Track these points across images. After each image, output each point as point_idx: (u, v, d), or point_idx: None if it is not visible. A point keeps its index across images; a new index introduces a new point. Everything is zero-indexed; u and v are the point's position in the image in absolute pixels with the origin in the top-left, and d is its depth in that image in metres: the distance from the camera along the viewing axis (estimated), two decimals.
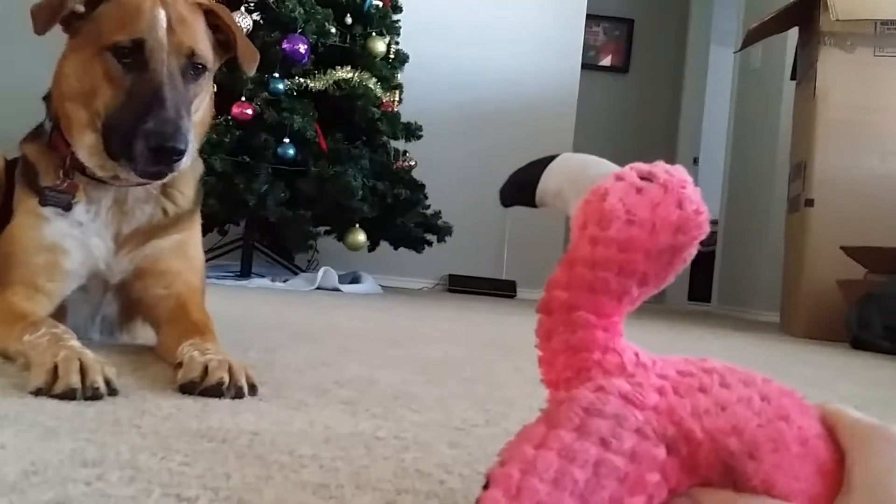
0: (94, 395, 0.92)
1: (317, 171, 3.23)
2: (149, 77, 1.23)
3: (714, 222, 6.31)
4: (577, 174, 0.57)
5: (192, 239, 1.39)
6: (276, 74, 3.20)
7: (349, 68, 3.36)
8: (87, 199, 1.30)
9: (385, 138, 3.61)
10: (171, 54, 1.25)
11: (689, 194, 0.49)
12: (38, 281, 1.27)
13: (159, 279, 1.34)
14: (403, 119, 3.74)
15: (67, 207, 1.29)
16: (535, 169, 0.60)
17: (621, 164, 0.54)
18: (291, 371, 1.27)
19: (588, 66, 6.11)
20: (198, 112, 1.32)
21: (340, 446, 0.80)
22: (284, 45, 3.20)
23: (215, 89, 2.94)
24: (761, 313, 4.96)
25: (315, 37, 3.31)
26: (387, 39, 3.61)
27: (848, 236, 3.41)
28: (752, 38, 4.13)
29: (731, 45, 6.12)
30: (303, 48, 3.21)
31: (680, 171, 0.50)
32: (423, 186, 3.77)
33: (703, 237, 0.49)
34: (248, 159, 3.12)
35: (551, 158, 0.61)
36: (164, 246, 1.34)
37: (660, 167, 0.51)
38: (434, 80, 5.00)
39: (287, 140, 3.17)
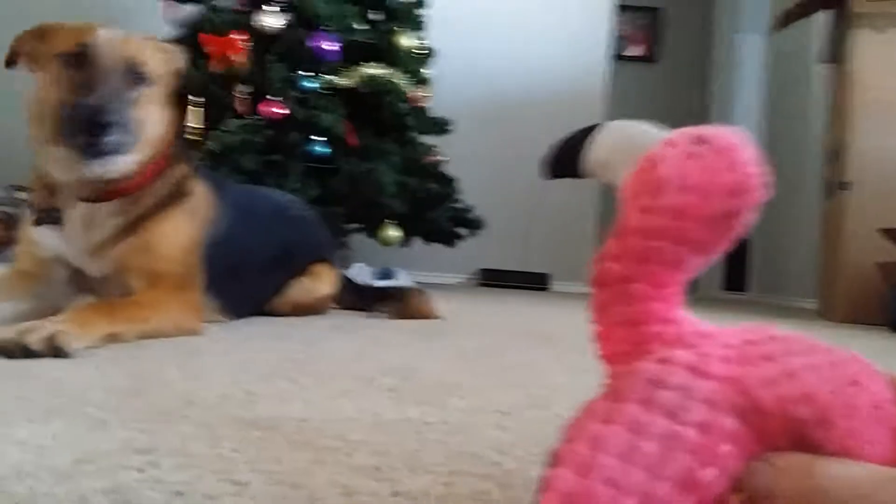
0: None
1: (347, 168, 3.22)
2: (87, 72, 1.44)
3: None
4: (626, 143, 0.56)
5: (160, 236, 1.56)
6: (306, 72, 3.20)
7: (377, 64, 3.35)
8: (50, 227, 1.52)
9: (414, 134, 3.60)
10: (111, 57, 1.47)
11: (742, 157, 0.47)
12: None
13: (121, 274, 1.52)
14: (432, 114, 3.73)
15: (57, 222, 1.52)
16: (579, 139, 0.59)
17: None
18: (334, 361, 1.26)
19: (616, 56, 6.06)
20: (148, 125, 1.52)
21: (389, 431, 0.79)
22: (311, 43, 3.20)
23: (245, 93, 2.94)
24: (799, 300, 4.88)
25: (343, 33, 3.31)
26: (414, 34, 3.60)
27: (885, 218, 3.35)
28: (783, 21, 4.07)
29: (758, 30, 6.04)
30: (331, 45, 3.21)
31: (734, 134, 0.48)
32: (453, 181, 3.75)
33: (759, 200, 0.47)
34: (278, 158, 3.12)
35: (592, 128, 0.60)
36: (126, 249, 1.53)
37: (712, 130, 0.49)
38: (462, 75, 4.98)
39: (317, 138, 3.16)
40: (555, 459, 0.42)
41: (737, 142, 0.48)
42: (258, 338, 1.52)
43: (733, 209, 0.46)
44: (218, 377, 1.06)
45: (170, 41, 2.16)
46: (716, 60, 6.70)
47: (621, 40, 6.58)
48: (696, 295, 5.88)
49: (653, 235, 0.47)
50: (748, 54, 6.49)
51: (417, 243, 3.85)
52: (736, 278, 6.22)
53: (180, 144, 1.70)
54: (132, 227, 1.54)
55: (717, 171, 0.46)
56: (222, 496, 0.56)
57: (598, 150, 0.58)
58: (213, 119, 3.07)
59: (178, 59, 1.67)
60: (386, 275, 3.68)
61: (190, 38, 3.19)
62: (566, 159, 0.60)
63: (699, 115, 6.69)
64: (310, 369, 1.16)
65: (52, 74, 1.46)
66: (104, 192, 1.52)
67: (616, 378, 0.47)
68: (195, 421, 0.79)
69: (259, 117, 3.09)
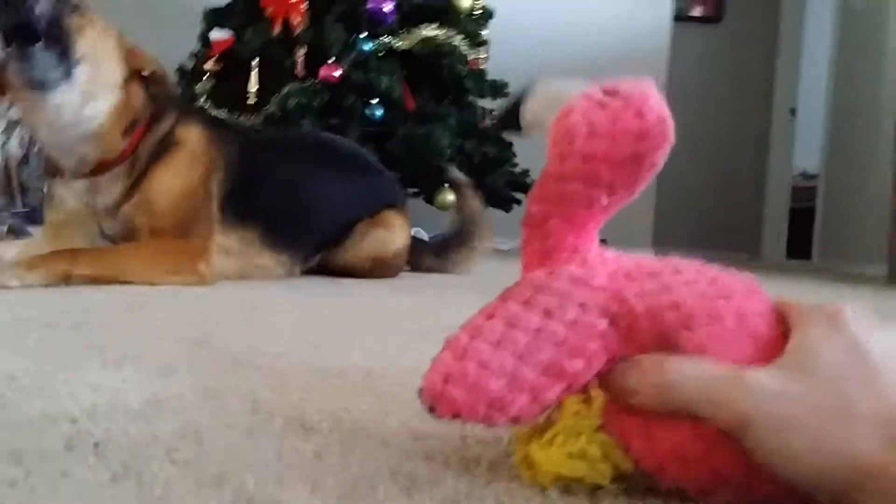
0: None
1: (404, 131, 3.21)
2: None
3: (813, 176, 6.06)
4: (553, 98, 0.59)
5: (154, 192, 1.63)
6: (364, 35, 3.18)
7: (435, 26, 3.31)
8: (66, 185, 1.64)
9: (472, 97, 3.57)
10: None
11: (649, 105, 0.50)
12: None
13: (131, 232, 1.62)
14: (490, 76, 3.69)
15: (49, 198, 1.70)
16: (520, 97, 0.64)
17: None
18: (395, 316, 1.27)
19: (679, 16, 5.90)
20: (97, 64, 1.53)
21: None
22: (370, 5, 3.17)
23: (304, 55, 2.94)
24: (867, 266, 4.74)
25: None
26: None
27: None
28: None
29: None
30: (388, 7, 3.19)
31: (644, 85, 0.52)
32: (510, 145, 3.71)
33: (666, 145, 0.50)
34: (336, 122, 3.13)
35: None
36: (129, 209, 1.62)
37: (625, 83, 0.52)
38: (520, 36, 4.91)
39: (375, 101, 3.16)
40: (443, 346, 0.48)
41: (645, 91, 0.51)
42: (319, 295, 1.53)
43: (640, 152, 0.50)
44: (281, 329, 1.07)
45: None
46: (783, 21, 6.49)
47: (685, 0, 6.41)
48: (760, 262, 5.76)
49: (568, 178, 0.51)
50: (818, 13, 6.27)
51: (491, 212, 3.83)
52: (800, 245, 6.08)
53: (163, 97, 1.71)
54: (133, 188, 1.64)
55: (624, 118, 0.50)
56: (293, 439, 0.56)
57: (532, 107, 0.62)
58: (273, 82, 3.08)
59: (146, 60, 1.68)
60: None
61: (251, 0, 3.20)
62: (509, 116, 0.64)
63: (764, 77, 6.51)
64: (370, 324, 1.16)
65: None
66: (98, 167, 1.62)
67: (513, 285, 0.52)
68: (262, 368, 0.79)
69: (317, 80, 3.09)
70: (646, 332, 0.47)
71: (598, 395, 0.48)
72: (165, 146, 1.68)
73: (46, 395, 0.64)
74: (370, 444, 0.56)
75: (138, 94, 1.65)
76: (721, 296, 0.47)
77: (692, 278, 0.49)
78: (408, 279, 2.07)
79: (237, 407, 0.64)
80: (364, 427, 0.60)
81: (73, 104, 1.53)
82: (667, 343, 0.46)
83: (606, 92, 0.52)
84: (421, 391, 0.46)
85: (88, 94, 1.54)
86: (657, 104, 0.50)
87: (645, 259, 0.52)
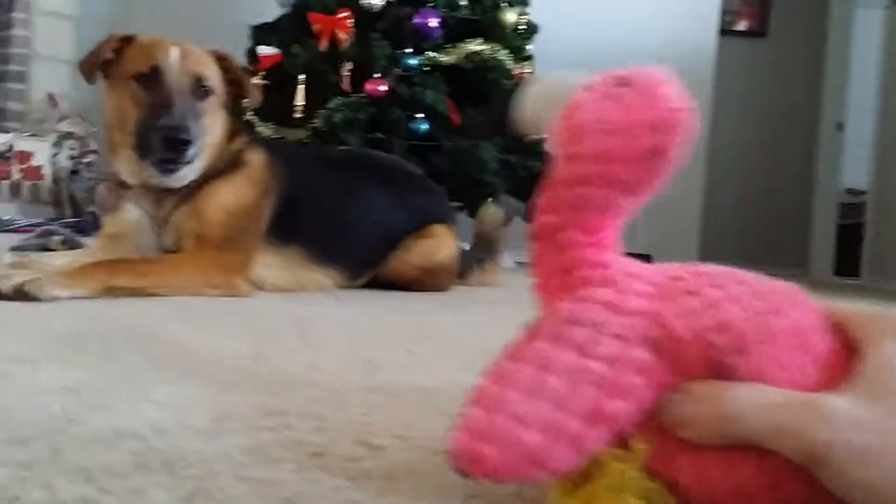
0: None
1: (450, 145, 3.21)
2: (162, 92, 1.61)
3: (862, 192, 5.94)
4: (550, 94, 0.53)
5: (207, 204, 1.68)
6: (409, 50, 3.20)
7: (480, 41, 3.32)
8: (133, 200, 1.70)
9: None
10: (181, 75, 1.63)
11: (665, 93, 0.45)
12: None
13: (180, 239, 1.66)
14: None
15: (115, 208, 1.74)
16: (511, 94, 0.57)
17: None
18: (447, 333, 1.26)
19: (724, 31, 5.84)
20: (209, 135, 1.68)
21: None
22: (416, 20, 3.19)
23: (349, 70, 2.95)
24: None
25: (446, 10, 3.29)
26: (517, 10, 3.54)
27: None
28: None
29: (877, 4, 5.72)
30: (434, 22, 3.20)
31: (657, 72, 0.47)
32: None
33: (685, 136, 0.45)
34: (381, 136, 3.14)
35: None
36: (180, 216, 1.67)
37: (634, 71, 0.47)
38: (565, 50, 4.89)
39: (420, 115, 3.17)
40: (469, 398, 0.43)
41: (658, 78, 0.46)
42: (369, 310, 1.53)
43: (658, 146, 0.45)
44: (336, 346, 1.06)
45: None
46: (830, 36, 6.38)
47: (730, 14, 6.34)
48: (807, 279, 5.66)
49: (580, 182, 0.46)
50: (865, 30, 6.16)
51: (518, 223, 3.81)
52: (848, 263, 5.95)
53: (236, 122, 1.83)
54: (188, 197, 1.69)
55: (638, 109, 0.45)
56: (361, 459, 0.55)
57: (526, 108, 0.57)
58: (319, 97, 3.10)
59: (233, 65, 1.80)
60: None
61: (298, 16, 3.23)
62: (504, 122, 0.60)
63: (811, 91, 6.41)
64: (424, 342, 1.15)
65: (129, 93, 1.63)
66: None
67: (538, 317, 0.47)
68: (321, 386, 0.79)
69: (363, 95, 3.10)
70: (693, 359, 0.42)
71: (639, 443, 0.42)
72: (232, 165, 1.74)
73: (110, 410, 0.64)
74: (440, 465, 0.55)
75: (227, 124, 1.76)
76: (770, 311, 0.43)
77: (734, 293, 0.44)
78: (455, 295, 2.05)
79: (301, 426, 0.63)
80: (431, 447, 0.59)
81: (194, 170, 1.67)
82: (718, 369, 0.42)
83: (615, 82, 0.47)
84: (449, 452, 0.42)
85: (203, 156, 1.68)
86: (673, 91, 0.46)
87: (672, 269, 0.47)
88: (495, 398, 0.42)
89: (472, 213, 3.61)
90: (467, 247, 3.52)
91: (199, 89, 1.67)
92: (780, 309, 0.43)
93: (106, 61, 1.67)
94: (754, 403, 0.40)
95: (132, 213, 1.71)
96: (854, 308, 0.45)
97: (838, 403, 0.39)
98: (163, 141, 1.57)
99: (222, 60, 1.77)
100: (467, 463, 0.41)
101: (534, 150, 3.56)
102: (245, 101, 1.87)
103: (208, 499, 0.46)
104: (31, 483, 0.47)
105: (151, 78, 1.62)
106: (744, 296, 0.44)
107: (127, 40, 1.68)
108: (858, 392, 0.39)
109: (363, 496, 0.48)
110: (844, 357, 0.42)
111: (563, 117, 0.48)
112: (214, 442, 0.57)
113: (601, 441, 0.41)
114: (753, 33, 6.49)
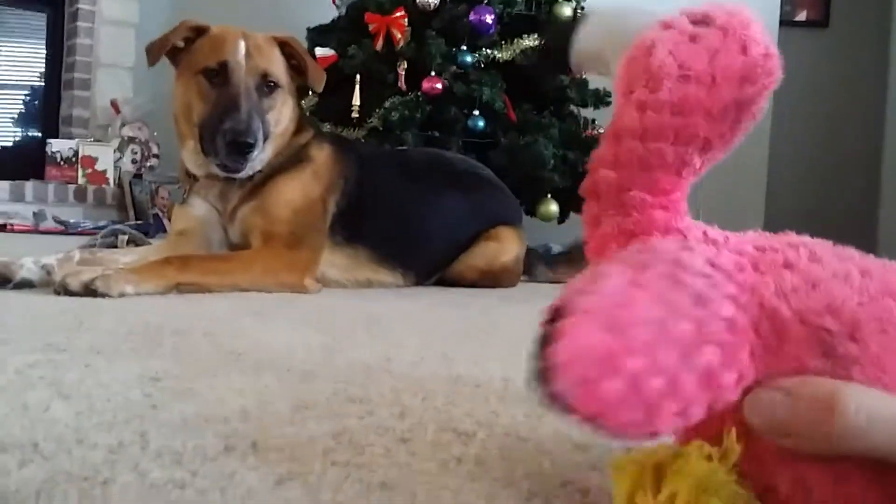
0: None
1: (507, 142, 3.19)
2: (229, 91, 1.62)
3: None
4: (617, 28, 0.49)
5: (273, 199, 1.68)
6: (464, 47, 3.18)
7: (535, 36, 3.28)
8: (200, 193, 1.72)
9: (574, 107, 3.52)
10: (248, 74, 1.64)
11: (754, 35, 0.40)
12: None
13: (246, 235, 1.67)
14: (591, 86, 3.63)
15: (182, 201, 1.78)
16: (568, 29, 0.51)
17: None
18: (514, 327, 1.24)
19: (784, 21, 5.70)
20: (277, 125, 1.71)
21: None
22: (471, 17, 3.17)
23: (405, 69, 2.95)
24: None
25: (501, 6, 3.26)
26: (573, 4, 3.48)
27: None
28: None
29: None
30: (489, 19, 3.18)
31: (742, 10, 0.41)
32: None
33: (774, 85, 0.40)
34: (438, 134, 3.13)
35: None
36: (247, 212, 1.68)
37: (716, 7, 0.41)
38: None
39: (476, 112, 3.15)
40: (562, 310, 0.35)
41: (746, 19, 0.40)
42: (434, 306, 1.52)
43: (745, 97, 0.39)
44: (407, 339, 1.05)
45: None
46: (895, 24, 6.19)
47: (790, 4, 6.20)
48: None
49: (652, 136, 0.40)
50: None
51: (575, 220, 3.78)
52: None
53: (303, 117, 1.84)
54: (254, 192, 1.69)
55: (725, 54, 0.39)
56: (449, 444, 0.54)
57: (586, 40, 0.51)
58: (375, 96, 3.11)
59: (298, 50, 1.79)
60: (546, 251, 3.64)
61: (354, 17, 3.25)
62: (554, 53, 0.53)
63: (876, 83, 6.22)
64: (495, 334, 1.14)
65: (196, 87, 1.66)
66: None
67: (621, 253, 0.40)
68: (399, 376, 0.77)
69: (419, 93, 3.10)
70: (798, 345, 0.36)
71: (734, 444, 0.36)
72: (298, 160, 1.74)
73: (194, 396, 0.64)
74: (529, 452, 0.53)
75: (294, 112, 1.76)
76: (886, 292, 0.37)
77: (840, 269, 0.37)
78: (519, 289, 2.03)
79: (384, 412, 0.62)
80: (518, 434, 0.57)
81: (259, 162, 1.68)
82: (829, 358, 0.35)
83: (696, 20, 0.41)
84: (549, 368, 0.33)
85: (268, 148, 1.70)
86: (762, 33, 0.40)
87: (762, 238, 0.41)
88: (618, 319, 0.33)
89: (530, 209, 3.58)
90: (558, 247, 3.51)
91: (266, 86, 1.68)
92: (895, 291, 0.37)
93: (175, 49, 1.68)
94: (883, 416, 0.33)
95: (199, 208, 1.73)
96: None
97: None
98: (227, 146, 1.58)
99: (287, 46, 1.77)
100: (579, 391, 0.32)
101: (593, 145, 3.52)
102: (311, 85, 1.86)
103: (301, 482, 0.45)
104: (122, 466, 0.46)
105: (219, 74, 1.64)
106: (852, 273, 0.37)
107: (198, 30, 1.69)
108: None
109: (456, 481, 0.47)
110: None
111: (632, 58, 0.42)
112: (299, 427, 0.56)
113: (702, 413, 0.34)
114: (814, 23, 6.33)
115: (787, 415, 0.34)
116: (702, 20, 0.41)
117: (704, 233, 0.42)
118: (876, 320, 0.36)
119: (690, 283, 0.35)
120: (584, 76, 3.37)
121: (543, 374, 0.33)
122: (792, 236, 0.41)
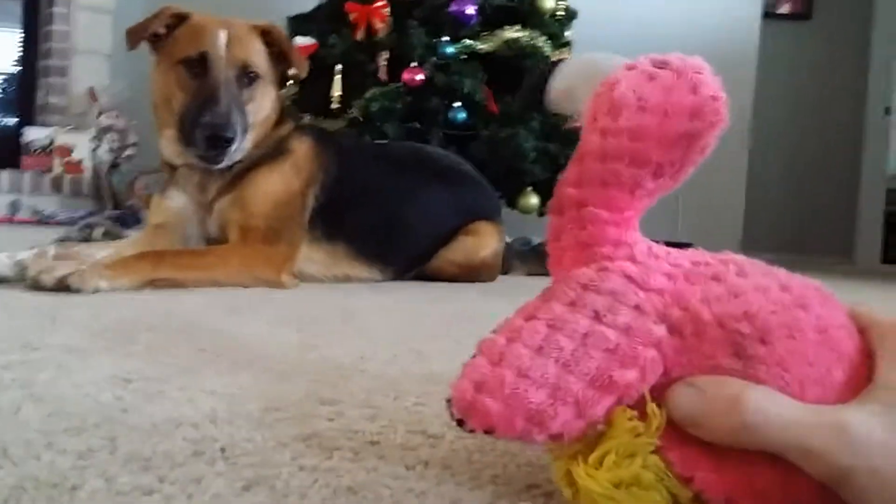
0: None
1: (487, 133, 3.19)
2: (209, 83, 1.61)
3: None
4: (588, 71, 0.54)
5: (252, 193, 1.68)
6: (446, 38, 3.17)
7: (517, 28, 3.28)
8: (179, 184, 1.72)
9: None
10: (228, 65, 1.63)
11: (704, 79, 0.45)
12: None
13: (224, 228, 1.66)
14: None
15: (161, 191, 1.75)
16: (546, 72, 0.58)
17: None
18: (491, 322, 1.24)
19: (767, 13, 5.72)
20: (257, 114, 1.69)
21: None
22: (452, 8, 3.16)
23: (386, 59, 2.94)
24: None
25: None
26: None
27: None
28: None
29: None
30: (471, 9, 3.17)
31: (696, 59, 0.47)
32: None
33: (720, 125, 0.45)
34: (419, 125, 3.13)
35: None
36: (224, 204, 1.67)
37: (674, 56, 0.47)
38: (605, 36, 4.77)
39: (457, 104, 3.14)
40: (476, 349, 0.43)
41: (698, 64, 0.46)
42: (411, 301, 1.52)
43: (693, 131, 0.44)
44: (382, 336, 1.05)
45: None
46: (877, 16, 6.24)
47: None
48: (854, 267, 5.55)
49: (610, 158, 0.45)
50: None
51: None
52: None
53: (284, 108, 1.83)
54: (233, 183, 1.68)
55: (677, 92, 0.45)
56: (418, 447, 0.54)
57: (561, 80, 0.57)
58: (356, 87, 3.10)
59: (279, 38, 1.78)
60: (525, 244, 3.65)
61: (334, 6, 3.23)
62: (533, 92, 0.60)
63: (857, 75, 6.27)
64: (470, 330, 1.14)
65: (176, 77, 1.64)
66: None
67: (554, 283, 0.46)
68: (372, 375, 0.78)
69: (400, 84, 3.09)
70: (714, 344, 0.41)
71: (657, 412, 0.40)
72: (278, 152, 1.73)
73: (164, 399, 0.64)
74: (497, 455, 0.54)
75: (275, 101, 1.75)
76: (798, 305, 0.42)
77: (762, 283, 0.43)
78: (498, 284, 2.04)
79: (355, 414, 0.62)
80: (487, 437, 0.57)
81: (238, 152, 1.67)
82: (740, 358, 0.40)
83: (656, 64, 0.46)
84: (450, 401, 0.41)
85: (248, 138, 1.68)
86: (712, 79, 0.45)
87: (699, 255, 0.46)
88: (503, 351, 0.41)
89: (512, 202, 3.59)
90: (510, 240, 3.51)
91: (247, 76, 1.67)
92: (807, 304, 0.42)
93: (155, 35, 1.66)
94: (777, 416, 0.38)
95: (177, 201, 1.71)
96: (876, 316, 0.44)
97: (864, 423, 0.37)
98: (206, 140, 1.57)
99: (268, 35, 1.75)
100: (467, 414, 0.40)
101: (573, 138, 3.52)
102: (292, 73, 1.85)
103: (267, 487, 0.46)
104: (90, 472, 0.47)
105: (199, 65, 1.62)
106: (771, 287, 0.43)
107: (179, 17, 1.67)
108: (882, 410, 0.38)
109: (423, 485, 0.47)
110: (868, 361, 0.41)
111: (599, 92, 0.47)
112: (269, 431, 0.57)
113: (606, 410, 0.40)
114: (797, 16, 6.36)
115: (698, 408, 0.39)
116: (661, 64, 0.46)
117: (650, 248, 0.47)
118: (785, 327, 0.41)
119: (589, 304, 0.42)
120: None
121: (448, 403, 0.41)
122: (728, 255, 0.46)
